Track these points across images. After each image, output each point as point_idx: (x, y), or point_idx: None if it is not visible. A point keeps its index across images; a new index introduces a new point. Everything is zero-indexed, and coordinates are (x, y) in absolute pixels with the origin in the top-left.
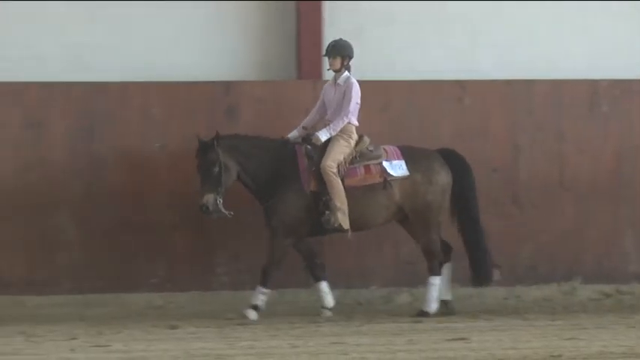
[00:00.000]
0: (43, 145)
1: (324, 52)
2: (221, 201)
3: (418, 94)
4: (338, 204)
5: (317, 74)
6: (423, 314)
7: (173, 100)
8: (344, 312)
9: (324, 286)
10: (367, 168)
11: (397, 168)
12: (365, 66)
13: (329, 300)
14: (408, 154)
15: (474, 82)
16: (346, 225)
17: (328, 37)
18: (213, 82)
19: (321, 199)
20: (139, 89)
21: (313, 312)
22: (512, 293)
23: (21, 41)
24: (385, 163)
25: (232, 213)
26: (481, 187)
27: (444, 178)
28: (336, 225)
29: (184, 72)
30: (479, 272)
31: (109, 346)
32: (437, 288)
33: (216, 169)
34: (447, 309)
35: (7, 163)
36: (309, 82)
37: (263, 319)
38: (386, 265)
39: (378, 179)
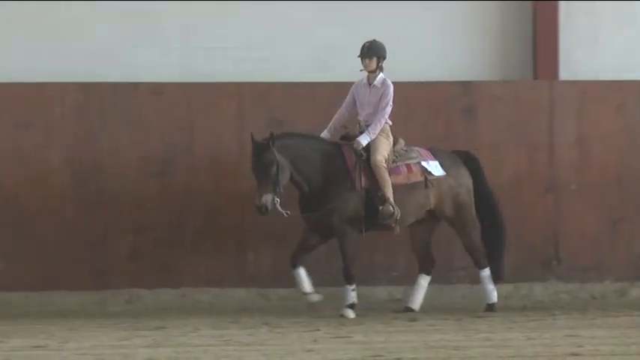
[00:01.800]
0: None
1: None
2: (279, 200)
3: None
4: (390, 198)
5: (553, 75)
6: (490, 307)
7: (413, 99)
8: (579, 306)
9: (302, 272)
10: (409, 167)
11: (434, 168)
12: (599, 66)
13: (306, 286)
14: (438, 157)
15: None
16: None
17: (564, 37)
18: (451, 82)
19: (375, 194)
20: None
21: (548, 305)
22: None
23: (266, 43)
24: (423, 163)
25: (289, 212)
26: None
27: (468, 179)
28: (397, 218)
29: (424, 72)
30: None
31: (350, 337)
32: (489, 278)
33: (274, 170)
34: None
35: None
36: (545, 82)
37: (499, 312)
38: (620, 260)
39: (419, 178)
